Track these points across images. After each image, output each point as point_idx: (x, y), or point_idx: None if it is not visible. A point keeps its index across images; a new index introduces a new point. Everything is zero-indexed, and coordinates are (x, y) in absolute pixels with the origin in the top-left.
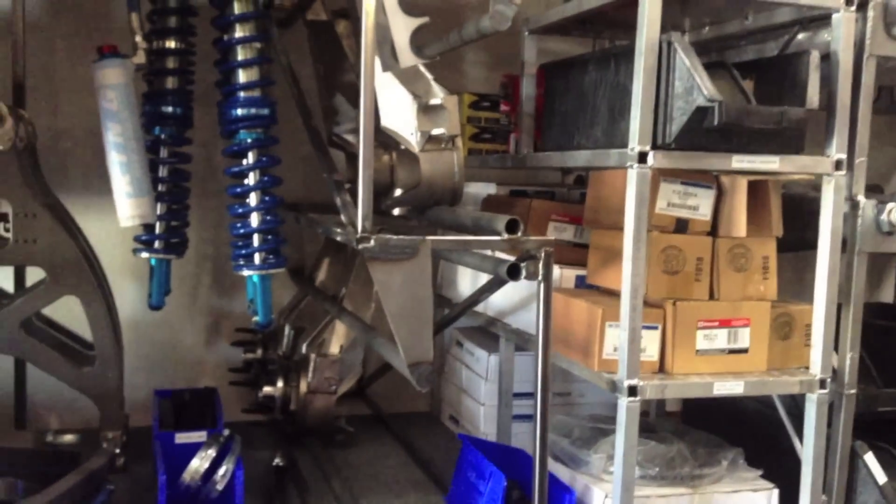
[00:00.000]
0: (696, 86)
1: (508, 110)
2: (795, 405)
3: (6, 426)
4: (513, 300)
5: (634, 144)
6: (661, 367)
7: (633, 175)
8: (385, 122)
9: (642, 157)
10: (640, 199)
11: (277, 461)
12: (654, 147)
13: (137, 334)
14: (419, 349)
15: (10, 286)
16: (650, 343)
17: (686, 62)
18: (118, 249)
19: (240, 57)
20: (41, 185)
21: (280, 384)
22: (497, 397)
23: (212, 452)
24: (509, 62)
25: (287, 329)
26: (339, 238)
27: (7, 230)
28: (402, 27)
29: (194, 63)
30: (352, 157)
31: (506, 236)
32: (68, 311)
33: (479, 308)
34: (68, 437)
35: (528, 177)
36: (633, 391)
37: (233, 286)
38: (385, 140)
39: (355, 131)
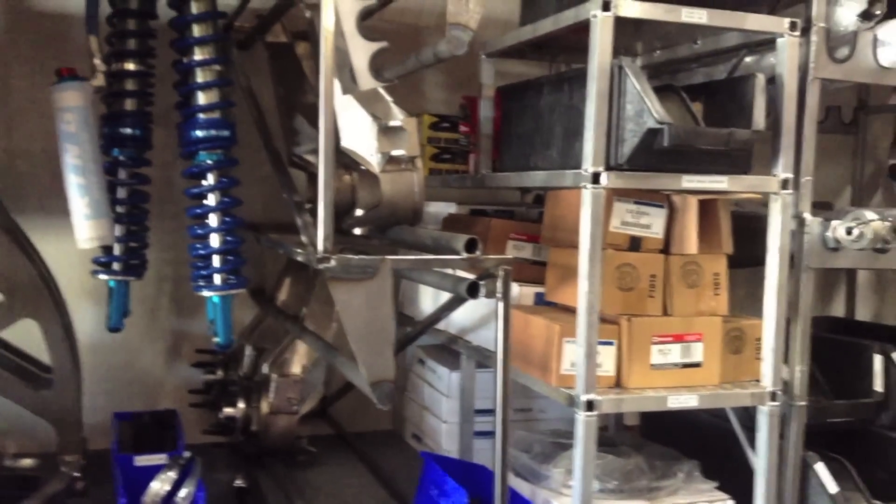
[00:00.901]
0: (646, 109)
1: (468, 131)
2: (748, 417)
3: None
4: (473, 317)
5: (588, 165)
6: (618, 382)
7: (587, 195)
8: (345, 143)
9: (596, 178)
10: (594, 218)
11: (239, 482)
12: (608, 168)
13: (96, 357)
14: (380, 368)
15: None
16: (606, 358)
17: (636, 86)
18: (76, 271)
19: (199, 79)
20: None
21: (241, 405)
22: (459, 414)
23: (172, 475)
24: (468, 84)
25: (248, 349)
26: (299, 258)
27: None
28: (361, 51)
29: (153, 85)
30: (313, 178)
31: (465, 255)
32: (25, 334)
33: (441, 326)
34: (27, 462)
35: (488, 196)
36: (590, 406)
37: (192, 307)
38: (345, 160)
39: (315, 152)
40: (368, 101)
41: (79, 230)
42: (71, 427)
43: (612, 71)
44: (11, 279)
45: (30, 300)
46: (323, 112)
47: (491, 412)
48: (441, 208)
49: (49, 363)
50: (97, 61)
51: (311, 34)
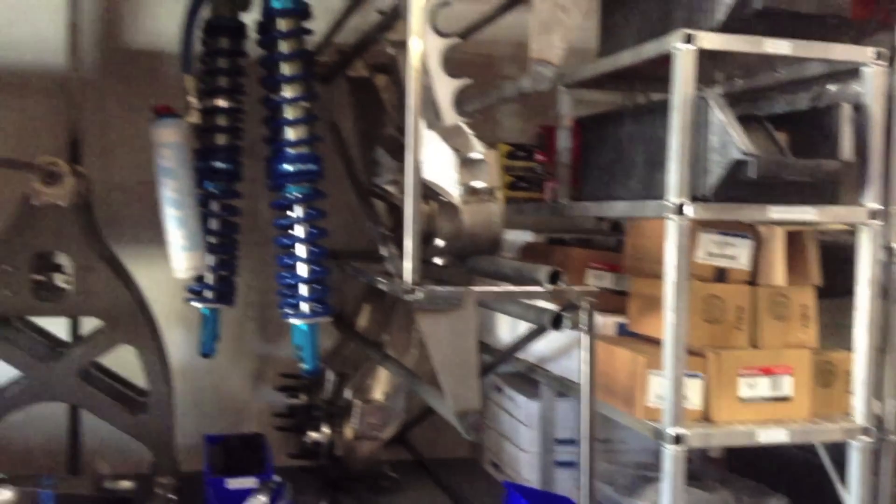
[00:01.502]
0: (731, 140)
1: (544, 160)
2: (839, 452)
3: (61, 471)
4: (553, 346)
5: (672, 196)
6: (705, 415)
7: (671, 226)
8: (426, 174)
9: (680, 209)
10: (679, 249)
11: None
12: (692, 199)
13: (185, 380)
14: (466, 398)
15: (63, 334)
16: (693, 391)
17: (721, 118)
18: (166, 298)
19: (289, 116)
20: (98, 239)
21: (325, 430)
22: (539, 444)
23: (263, 498)
24: (542, 112)
25: (330, 374)
26: (385, 289)
27: (66, 282)
28: (445, 88)
29: (243, 120)
30: (392, 208)
31: (549, 287)
32: (118, 357)
33: (518, 353)
34: (125, 483)
35: (562, 223)
36: (678, 439)
37: (276, 332)
38: (424, 191)
39: (395, 182)
40: (449, 134)
41: (176, 261)
42: (165, 450)
43: (695, 102)
44: (111, 307)
45: (128, 327)
46: (409, 147)
47: (571, 442)
48: (517, 236)
49: (142, 386)
50: (192, 99)
51: (392, 69)
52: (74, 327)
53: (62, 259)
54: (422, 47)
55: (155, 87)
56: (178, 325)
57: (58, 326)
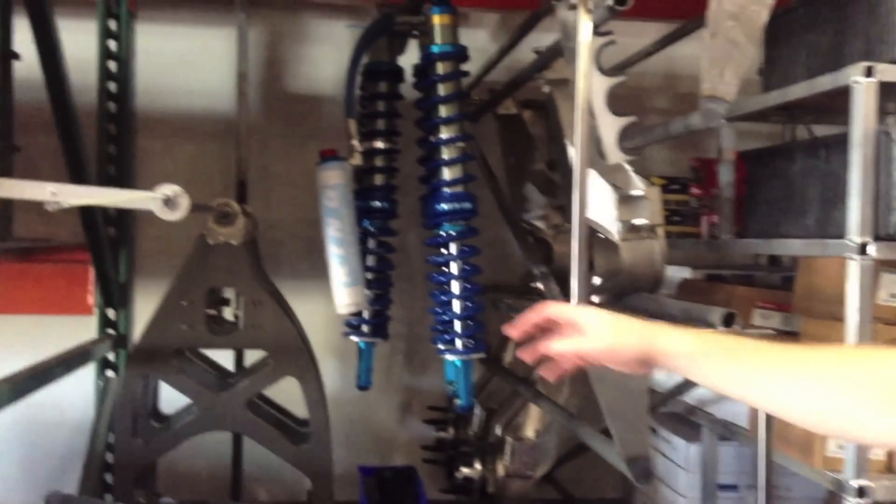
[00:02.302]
0: None
1: (700, 193)
2: None
3: (224, 498)
4: None
5: (854, 235)
6: (890, 467)
7: (854, 267)
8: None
9: (863, 249)
10: (862, 290)
11: None
12: (875, 238)
13: (338, 411)
14: (636, 443)
15: (228, 363)
16: None
17: None
18: (320, 330)
19: (445, 156)
20: (264, 275)
21: (478, 466)
22: (699, 489)
23: None
24: (694, 145)
25: (477, 409)
26: None
27: (235, 316)
28: (610, 127)
29: (397, 160)
30: (540, 243)
31: (723, 330)
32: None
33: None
34: None
35: (718, 259)
36: (861, 492)
37: (423, 364)
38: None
39: (544, 218)
40: (608, 170)
41: (338, 296)
42: (324, 479)
43: (876, 137)
44: (278, 340)
45: (293, 360)
46: (576, 186)
47: (734, 488)
48: (673, 272)
49: (298, 416)
50: (355, 142)
51: (549, 106)
52: (239, 359)
53: (228, 293)
54: (587, 87)
55: (312, 128)
56: (329, 356)
57: (221, 357)
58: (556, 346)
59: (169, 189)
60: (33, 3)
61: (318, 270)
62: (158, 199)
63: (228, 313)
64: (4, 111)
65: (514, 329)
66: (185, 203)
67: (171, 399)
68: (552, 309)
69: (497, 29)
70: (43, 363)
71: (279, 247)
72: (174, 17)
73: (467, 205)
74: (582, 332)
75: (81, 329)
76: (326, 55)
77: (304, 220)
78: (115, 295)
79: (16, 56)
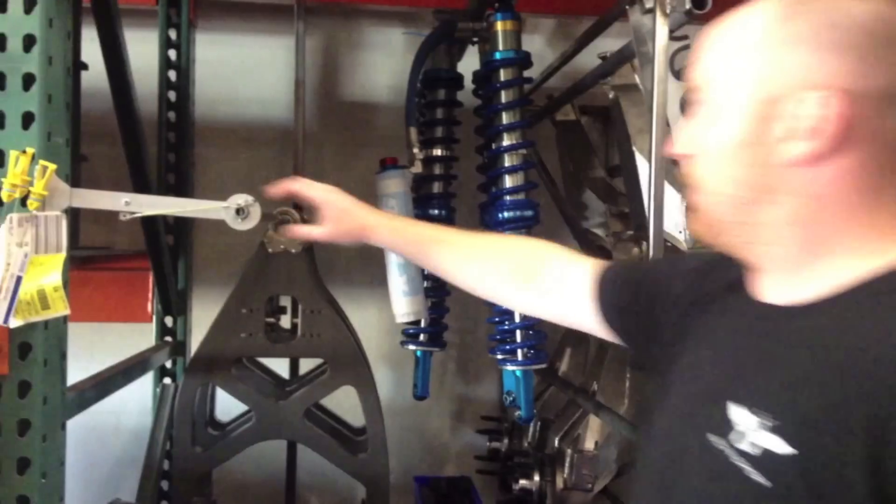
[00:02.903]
0: None
1: None
2: None
3: None
4: None
5: None
6: None
7: None
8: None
9: None
10: None
11: None
12: None
13: (391, 420)
14: None
15: (283, 371)
16: None
17: None
18: (373, 338)
19: (507, 164)
20: (321, 283)
21: (536, 478)
22: None
23: None
24: None
25: (533, 420)
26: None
27: (293, 324)
28: None
29: (455, 167)
30: (601, 251)
31: None
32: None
33: None
34: None
35: None
36: None
37: (476, 374)
38: (638, 235)
39: (603, 225)
40: (676, 178)
41: (398, 306)
42: (381, 489)
43: None
44: (336, 348)
45: (351, 368)
46: (651, 195)
47: None
48: None
49: (352, 425)
50: (416, 150)
51: (613, 112)
52: (293, 367)
53: (284, 301)
54: (663, 92)
55: (366, 135)
56: (381, 365)
57: (275, 364)
58: (291, 232)
59: (241, 199)
60: (102, 14)
61: (370, 278)
62: (231, 210)
63: (285, 322)
64: (74, 121)
65: (272, 191)
66: (257, 213)
67: (224, 407)
68: (297, 185)
69: (553, 34)
70: (107, 371)
71: (332, 254)
72: (232, 26)
73: (529, 212)
74: (317, 211)
75: (136, 336)
76: (381, 62)
77: None
78: (174, 302)
79: (85, 66)
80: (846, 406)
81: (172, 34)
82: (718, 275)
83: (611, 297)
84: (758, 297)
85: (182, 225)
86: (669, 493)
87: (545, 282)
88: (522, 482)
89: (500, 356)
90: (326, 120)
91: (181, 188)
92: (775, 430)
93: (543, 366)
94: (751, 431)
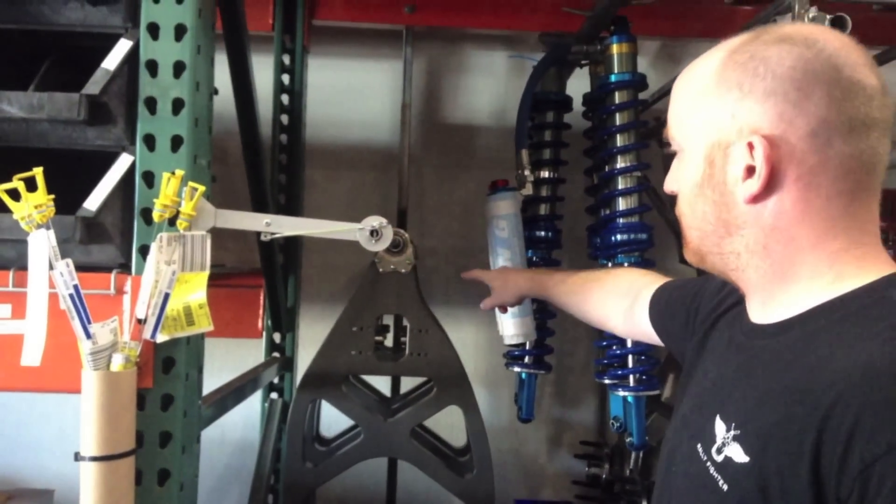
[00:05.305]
0: None
1: (885, 226)
2: None
3: None
4: None
5: None
6: None
7: None
8: None
9: None
10: None
11: None
12: None
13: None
14: None
15: (385, 389)
16: None
17: None
18: (470, 358)
19: (620, 186)
20: (425, 303)
21: None
22: None
23: None
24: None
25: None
26: None
27: (401, 342)
28: None
29: (561, 190)
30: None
31: None
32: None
33: None
34: None
35: None
36: None
37: (573, 397)
38: None
39: None
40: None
41: (506, 327)
42: None
43: None
44: (442, 367)
45: (456, 388)
46: None
47: None
48: None
49: (453, 445)
50: (527, 172)
51: None
52: (394, 384)
53: (387, 320)
54: None
55: (468, 158)
56: (479, 386)
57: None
58: (482, 305)
59: (376, 221)
60: (234, 42)
61: (469, 298)
62: (366, 231)
63: (389, 340)
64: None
65: (466, 276)
66: (389, 234)
67: (327, 423)
68: (474, 273)
69: (656, 56)
70: (226, 385)
71: (431, 274)
72: (343, 51)
73: (643, 235)
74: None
75: (241, 350)
76: (483, 85)
77: (457, 249)
78: (284, 319)
79: (216, 91)
80: (797, 422)
81: (286, 59)
82: (732, 293)
83: (659, 320)
84: (748, 316)
85: (292, 244)
86: (669, 493)
87: (634, 311)
88: None
89: (608, 381)
90: (428, 142)
91: (292, 209)
92: (737, 438)
93: (656, 392)
94: (724, 442)
